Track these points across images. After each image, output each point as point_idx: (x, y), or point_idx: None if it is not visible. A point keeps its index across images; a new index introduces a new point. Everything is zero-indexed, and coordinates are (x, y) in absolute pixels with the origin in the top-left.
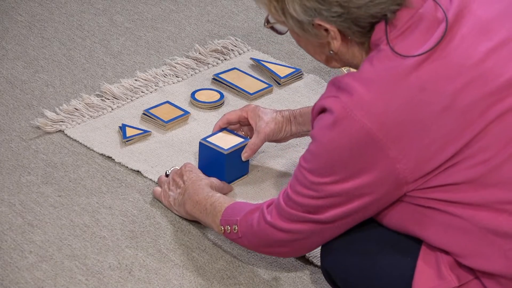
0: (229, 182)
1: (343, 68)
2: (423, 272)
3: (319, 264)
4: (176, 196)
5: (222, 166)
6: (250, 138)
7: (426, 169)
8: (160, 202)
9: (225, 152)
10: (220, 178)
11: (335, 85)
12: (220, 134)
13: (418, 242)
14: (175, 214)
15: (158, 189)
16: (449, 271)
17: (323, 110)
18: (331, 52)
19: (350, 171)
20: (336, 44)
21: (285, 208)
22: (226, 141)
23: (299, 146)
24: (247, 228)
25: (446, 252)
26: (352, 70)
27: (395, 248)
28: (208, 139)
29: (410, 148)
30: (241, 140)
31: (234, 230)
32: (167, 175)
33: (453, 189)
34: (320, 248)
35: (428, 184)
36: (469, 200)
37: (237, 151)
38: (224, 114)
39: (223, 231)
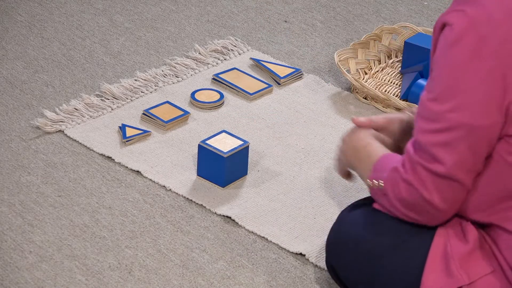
0: (228, 184)
1: None
2: (432, 270)
3: (319, 264)
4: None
5: (221, 169)
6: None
7: None
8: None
9: (225, 155)
10: (219, 180)
11: None
12: (219, 136)
13: (428, 238)
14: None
15: None
16: (459, 269)
17: (444, 25)
18: None
19: (469, 94)
20: None
21: (414, 157)
22: (225, 144)
23: (298, 146)
24: (391, 186)
25: (457, 247)
26: None
27: (404, 245)
28: (208, 142)
29: None
30: (241, 143)
31: (380, 186)
32: None
33: None
34: (325, 243)
35: None
36: None
37: (237, 154)
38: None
39: (371, 185)
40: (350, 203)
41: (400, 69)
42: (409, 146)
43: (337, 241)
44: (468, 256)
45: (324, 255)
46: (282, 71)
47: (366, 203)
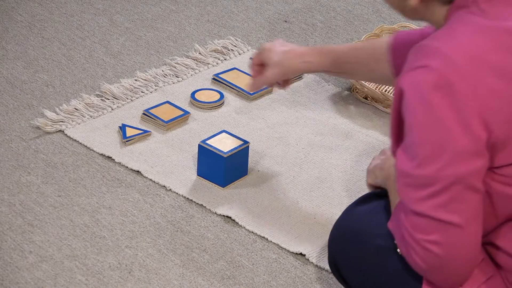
0: (228, 184)
1: None
2: None
3: (319, 264)
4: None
5: (221, 169)
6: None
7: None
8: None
9: (225, 155)
10: (219, 180)
11: (421, 52)
12: (219, 136)
13: None
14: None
15: None
16: None
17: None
18: (409, 7)
19: (458, 143)
20: (413, 2)
21: (415, 235)
22: (225, 144)
23: (298, 146)
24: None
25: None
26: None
27: None
28: (208, 142)
29: (501, 120)
30: (241, 143)
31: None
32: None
33: None
34: (325, 243)
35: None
36: None
37: (237, 154)
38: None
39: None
40: (350, 203)
41: None
42: (404, 223)
43: (342, 237)
44: None
45: (325, 255)
46: None
47: (372, 197)
